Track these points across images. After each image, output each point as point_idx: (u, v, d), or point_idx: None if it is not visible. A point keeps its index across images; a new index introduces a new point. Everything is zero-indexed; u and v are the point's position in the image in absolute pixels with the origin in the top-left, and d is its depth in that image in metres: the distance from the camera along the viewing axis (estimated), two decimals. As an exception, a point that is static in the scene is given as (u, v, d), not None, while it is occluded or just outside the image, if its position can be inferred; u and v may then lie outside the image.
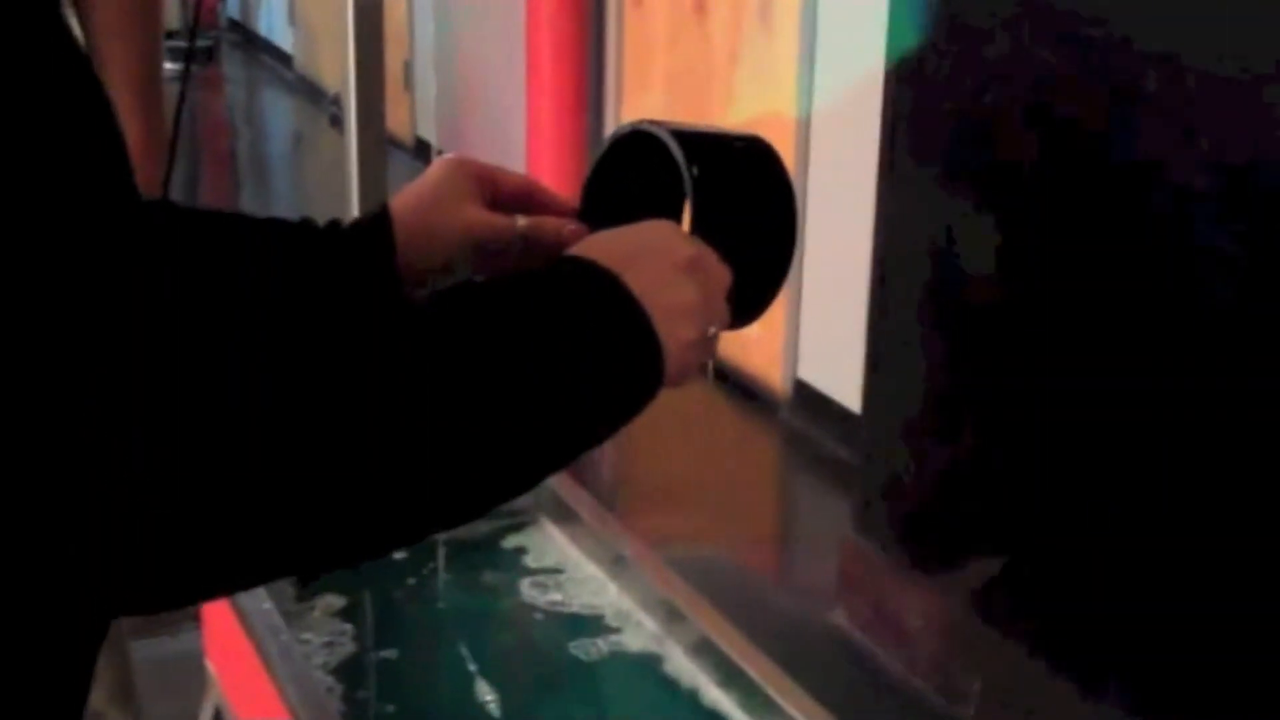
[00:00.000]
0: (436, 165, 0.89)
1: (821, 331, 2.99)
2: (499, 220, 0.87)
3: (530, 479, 0.72)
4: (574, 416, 0.71)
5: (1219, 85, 1.69)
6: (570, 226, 0.86)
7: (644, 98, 3.89)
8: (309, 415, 0.61)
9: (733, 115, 3.44)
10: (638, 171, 0.85)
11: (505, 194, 0.88)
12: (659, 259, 0.75)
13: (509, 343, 0.68)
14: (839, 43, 3.07)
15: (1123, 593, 1.94)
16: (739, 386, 3.33)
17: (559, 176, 3.91)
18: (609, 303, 0.72)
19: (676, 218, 0.81)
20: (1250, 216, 1.69)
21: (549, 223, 0.87)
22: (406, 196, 0.88)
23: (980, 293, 2.21)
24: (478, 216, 0.87)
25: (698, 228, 0.81)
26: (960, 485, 2.30)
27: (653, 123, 0.85)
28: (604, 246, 0.76)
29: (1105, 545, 1.97)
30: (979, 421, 2.24)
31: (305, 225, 0.87)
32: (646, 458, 2.94)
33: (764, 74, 3.32)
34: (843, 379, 2.91)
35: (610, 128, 4.01)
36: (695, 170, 0.81)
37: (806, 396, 3.22)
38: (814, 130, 3.14)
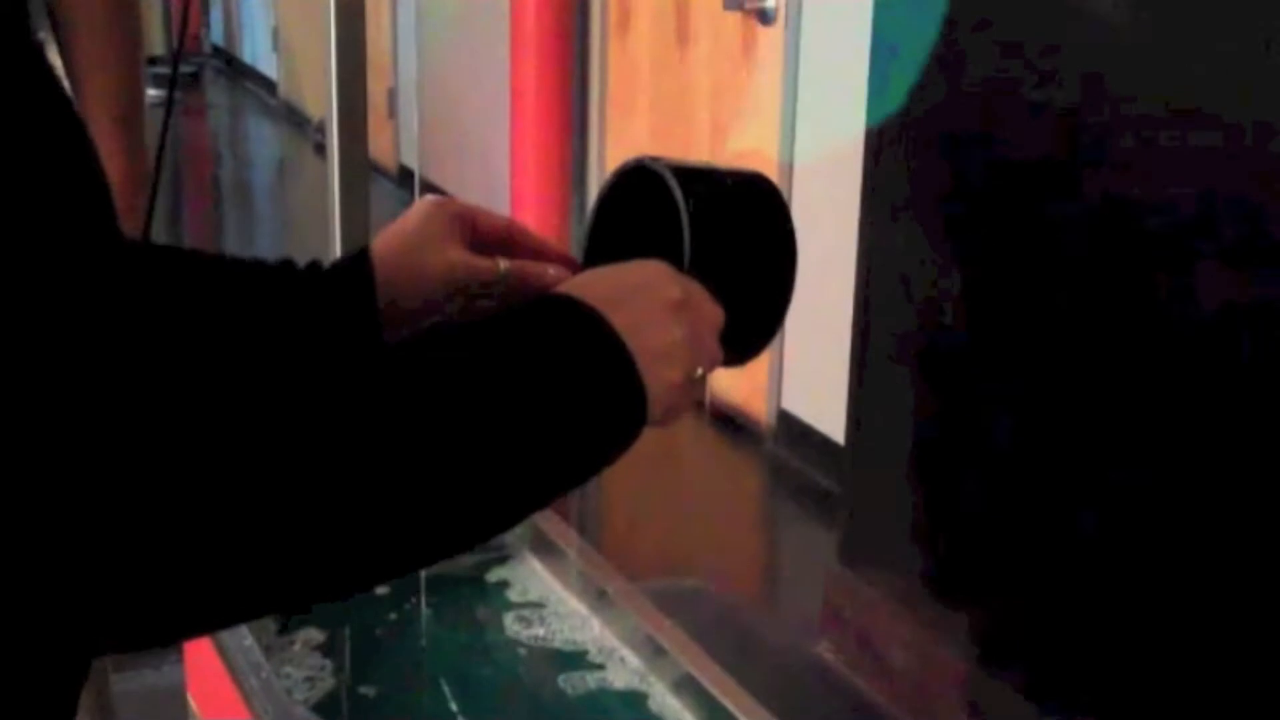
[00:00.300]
0: (418, 206, 0.88)
1: (805, 363, 2.99)
2: (481, 262, 0.86)
3: (509, 519, 0.71)
4: (554, 457, 0.70)
5: (1175, 133, 1.70)
6: (553, 270, 0.85)
7: (628, 127, 3.89)
8: (283, 458, 0.61)
9: (716, 147, 3.44)
10: (642, 209, 0.85)
11: (486, 236, 0.87)
12: (646, 298, 0.74)
13: (485, 382, 0.68)
14: (822, 76, 3.08)
15: (1108, 626, 1.94)
16: (724, 417, 3.33)
17: (543, 204, 3.91)
18: (591, 341, 0.71)
19: (679, 256, 0.81)
20: (1221, 264, 1.70)
21: (532, 266, 0.86)
22: (388, 237, 0.87)
23: (961, 326, 2.22)
24: (460, 258, 0.86)
25: (694, 263, 0.80)
26: (944, 515, 2.29)
27: (654, 159, 0.84)
28: (589, 285, 0.75)
29: (1091, 576, 1.96)
30: (961, 452, 2.24)
31: (284, 266, 0.87)
32: (632, 488, 2.94)
33: (747, 106, 3.33)
34: (827, 410, 2.91)
35: (594, 157, 4.02)
36: (692, 205, 0.80)
37: (791, 427, 3.22)
38: (797, 163, 3.14)
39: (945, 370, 2.28)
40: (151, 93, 6.52)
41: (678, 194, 0.81)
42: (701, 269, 0.80)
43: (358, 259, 0.87)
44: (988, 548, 2.19)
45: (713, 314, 0.78)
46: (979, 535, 2.21)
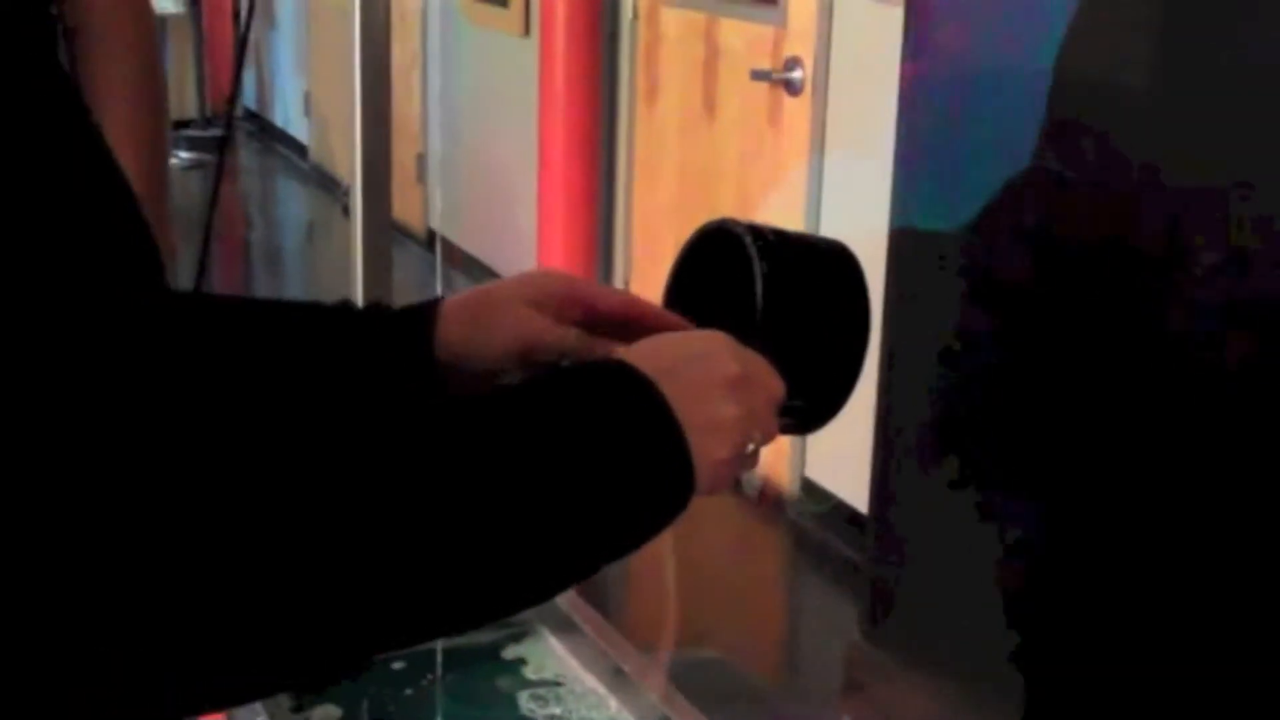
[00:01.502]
0: (522, 273, 0.86)
1: (830, 430, 2.98)
2: (551, 330, 0.83)
3: (546, 590, 0.69)
4: (594, 529, 0.68)
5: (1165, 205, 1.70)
6: (621, 347, 0.79)
7: (654, 195, 3.91)
8: (307, 523, 0.60)
9: (742, 217, 3.45)
10: (721, 272, 0.84)
11: (605, 314, 0.84)
12: (702, 370, 0.72)
13: (526, 447, 0.66)
14: (849, 147, 3.09)
15: (1138, 703, 1.92)
16: (749, 485, 3.32)
17: (569, 269, 3.92)
18: (640, 410, 0.69)
19: (753, 321, 0.80)
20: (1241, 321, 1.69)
21: (600, 343, 0.83)
22: (466, 293, 0.85)
23: (987, 396, 2.20)
24: (531, 322, 0.82)
25: (764, 328, 0.80)
26: (968, 589, 2.27)
27: (735, 221, 0.83)
28: (646, 353, 0.73)
29: (1123, 655, 1.94)
30: (986, 526, 2.22)
31: (340, 309, 0.86)
32: (652, 555, 2.90)
33: (774, 176, 3.34)
34: (850, 479, 2.90)
35: (620, 224, 4.04)
36: (766, 268, 0.79)
37: (814, 494, 3.21)
38: (823, 229, 3.15)
39: (969, 444, 2.26)
40: (184, 155, 6.58)
41: (754, 257, 0.80)
42: (772, 335, 0.79)
43: (424, 306, 0.85)
44: (1016, 626, 2.17)
45: (773, 388, 0.76)
46: (1004, 610, 2.18)
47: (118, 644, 0.57)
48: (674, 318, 0.85)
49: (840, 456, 2.99)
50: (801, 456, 3.26)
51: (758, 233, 0.81)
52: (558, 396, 0.70)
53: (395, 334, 0.84)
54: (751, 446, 0.74)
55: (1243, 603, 1.74)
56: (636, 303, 0.85)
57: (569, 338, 0.83)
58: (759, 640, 2.77)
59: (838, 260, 0.84)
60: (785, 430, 0.81)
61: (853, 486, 2.87)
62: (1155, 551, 1.89)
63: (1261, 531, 1.71)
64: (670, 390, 0.70)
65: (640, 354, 0.73)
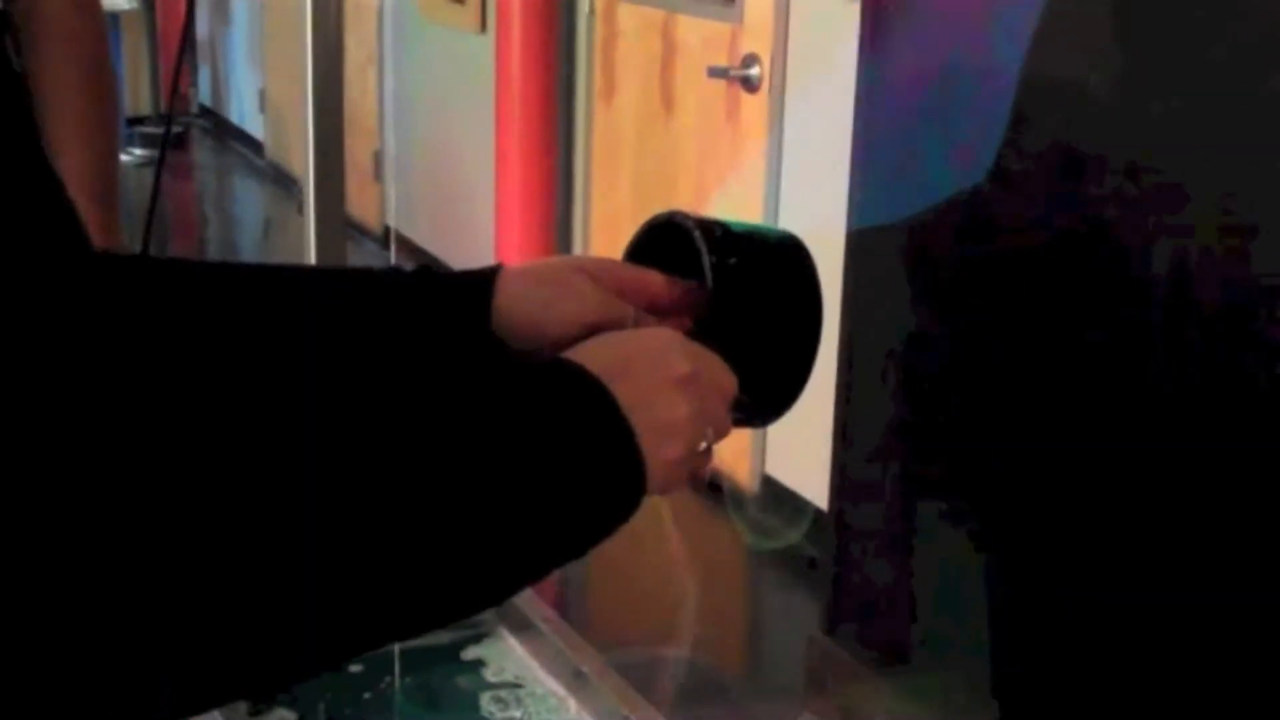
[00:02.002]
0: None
1: (789, 427, 2.98)
2: (613, 308, 0.81)
3: (497, 593, 0.68)
4: (545, 531, 0.67)
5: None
6: (669, 324, 0.80)
7: (612, 192, 3.90)
8: (254, 530, 0.59)
9: (700, 213, 3.44)
10: (671, 265, 0.83)
11: (662, 300, 0.83)
12: (652, 369, 0.71)
13: (475, 452, 0.66)
14: (807, 142, 3.09)
15: (1100, 699, 1.92)
16: (706, 481, 3.31)
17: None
18: (589, 411, 0.68)
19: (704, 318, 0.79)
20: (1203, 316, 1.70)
21: (651, 321, 0.81)
22: (526, 264, 0.84)
23: (946, 390, 2.21)
24: (594, 298, 0.81)
25: (715, 321, 0.79)
26: (929, 584, 2.28)
27: (685, 214, 0.82)
28: (595, 353, 0.72)
29: (1082, 648, 1.95)
30: (946, 520, 2.22)
31: (391, 274, 0.83)
32: (611, 554, 2.90)
33: (731, 173, 3.34)
34: (810, 475, 2.90)
35: (578, 221, 4.03)
36: (714, 260, 0.79)
37: (774, 492, 3.21)
38: (781, 226, 3.15)
39: (929, 439, 2.27)
40: (139, 153, 6.52)
41: (703, 250, 0.79)
42: (722, 329, 0.79)
43: (483, 272, 0.83)
44: (973, 617, 2.17)
45: (725, 383, 0.76)
46: (964, 604, 2.19)
47: (79, 653, 0.56)
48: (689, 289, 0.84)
49: (800, 453, 3.00)
50: (762, 454, 3.26)
51: (706, 226, 0.81)
52: (505, 398, 0.68)
53: (451, 300, 0.82)
54: (704, 444, 0.74)
55: (1202, 593, 1.75)
56: (691, 291, 0.84)
57: (629, 318, 0.82)
58: (721, 637, 2.77)
59: (788, 251, 0.84)
60: (739, 424, 0.81)
61: (813, 483, 2.87)
62: (1116, 544, 1.89)
63: (1217, 521, 1.72)
64: (620, 391, 0.69)
65: (589, 353, 0.72)
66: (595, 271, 0.83)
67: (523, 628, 1.41)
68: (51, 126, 1.41)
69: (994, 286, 2.05)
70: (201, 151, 7.94)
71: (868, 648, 2.38)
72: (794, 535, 3.00)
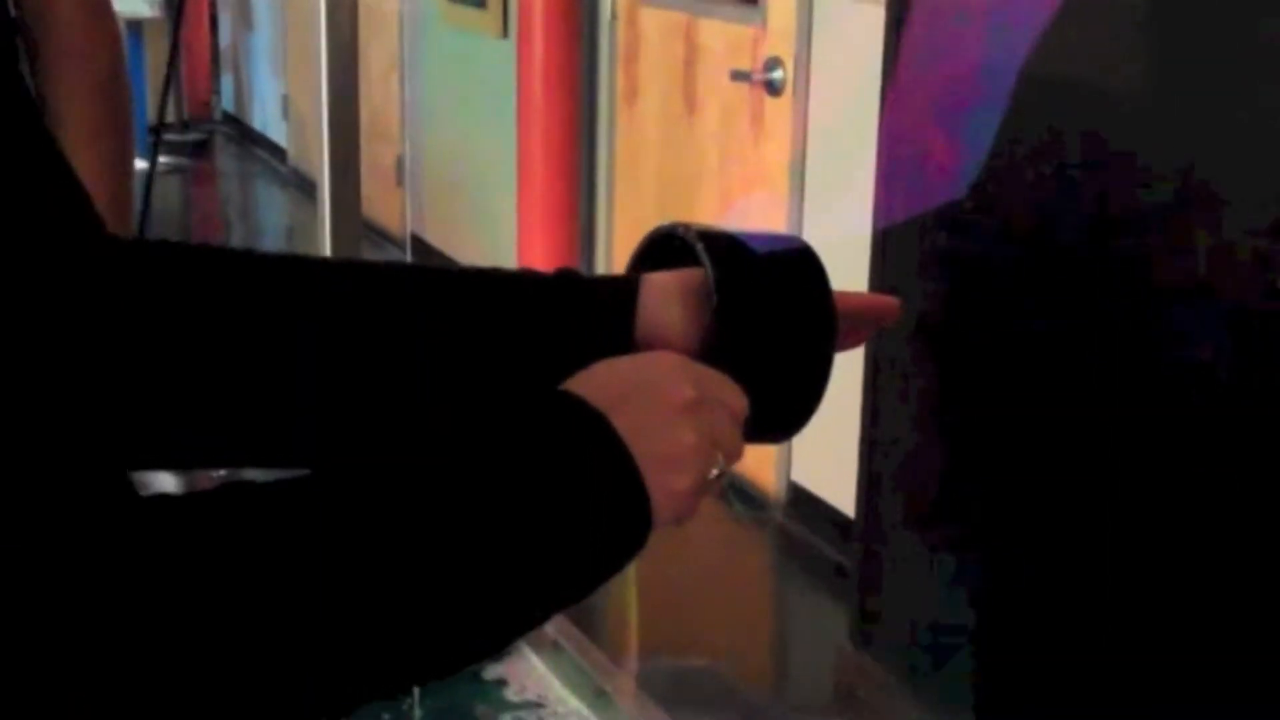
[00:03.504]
0: None
1: (815, 434, 2.95)
2: None
3: (501, 638, 0.67)
4: (548, 573, 0.65)
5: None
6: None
7: (635, 196, 3.88)
8: (248, 591, 0.57)
9: (724, 218, 3.42)
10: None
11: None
12: (654, 397, 0.68)
13: (474, 492, 0.63)
14: (831, 146, 3.06)
15: (1128, 708, 1.89)
16: (733, 489, 3.28)
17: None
18: (591, 447, 0.65)
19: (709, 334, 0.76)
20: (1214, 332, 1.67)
21: None
22: (668, 275, 0.80)
23: (974, 395, 2.18)
24: None
25: (722, 338, 0.76)
26: (956, 593, 2.25)
27: (686, 226, 0.78)
28: (594, 381, 0.69)
29: (1112, 658, 1.92)
30: (972, 528, 2.19)
31: (533, 279, 0.80)
32: (636, 562, 2.86)
33: (755, 177, 3.31)
34: (837, 482, 2.87)
35: (602, 226, 4.00)
36: (719, 273, 0.75)
37: (800, 499, 3.18)
38: (806, 234, 3.11)
39: (955, 445, 2.24)
40: (163, 160, 6.49)
41: (706, 263, 0.76)
42: (730, 345, 0.75)
43: (626, 281, 0.80)
44: (1004, 626, 2.14)
45: (734, 403, 0.72)
46: (991, 613, 2.16)
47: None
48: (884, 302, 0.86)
49: (827, 461, 2.96)
50: (788, 462, 3.22)
51: (709, 237, 0.77)
52: (504, 436, 0.66)
53: (598, 308, 0.79)
54: (716, 471, 0.71)
55: (1244, 612, 1.71)
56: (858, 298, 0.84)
57: None
58: (748, 648, 2.74)
59: (797, 260, 0.80)
60: (755, 441, 0.78)
61: (840, 490, 2.84)
62: (1143, 550, 1.86)
63: (1267, 537, 1.68)
64: (621, 422, 0.66)
65: (588, 384, 0.69)
66: None
67: (545, 645, 1.38)
68: (62, 134, 1.39)
69: (1022, 291, 2.02)
70: (225, 158, 7.95)
71: (896, 657, 2.34)
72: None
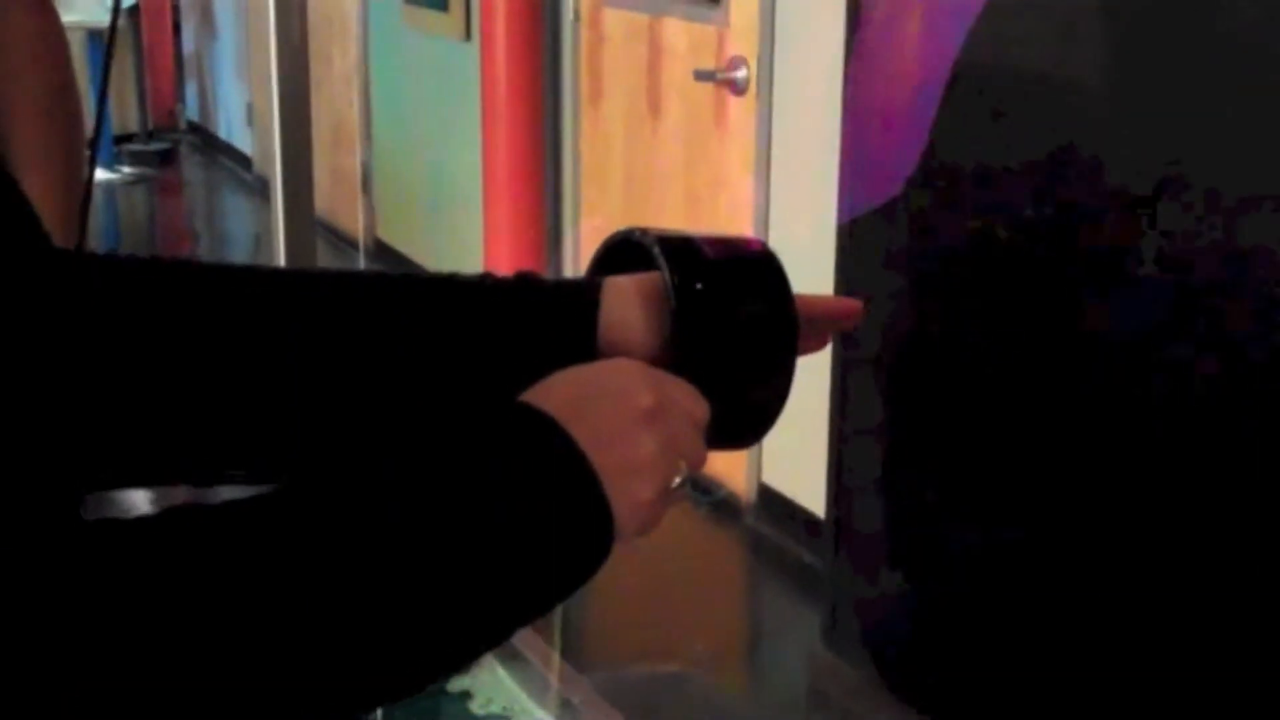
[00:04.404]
0: None
1: (785, 435, 2.93)
2: None
3: (463, 657, 0.65)
4: (510, 590, 0.63)
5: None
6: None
7: (602, 197, 3.86)
8: (211, 603, 0.56)
9: (691, 217, 3.40)
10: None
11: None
12: (613, 406, 0.67)
13: (431, 508, 0.61)
14: (795, 144, 3.05)
15: (1101, 711, 1.88)
16: (702, 491, 3.27)
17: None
18: (550, 459, 0.64)
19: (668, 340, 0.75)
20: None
21: None
22: (631, 278, 0.78)
23: (942, 393, 2.17)
24: None
25: (683, 344, 0.74)
26: (928, 594, 2.23)
27: (644, 231, 0.77)
28: (552, 391, 0.67)
29: (1086, 660, 1.91)
30: (944, 528, 2.18)
31: (489, 283, 0.78)
32: (607, 565, 2.84)
33: (721, 176, 3.30)
34: (808, 484, 2.85)
35: (568, 228, 3.98)
36: (677, 278, 0.74)
37: (771, 501, 3.16)
38: (772, 232, 3.11)
39: (925, 445, 2.22)
40: (128, 170, 6.46)
41: (664, 267, 0.74)
42: (689, 350, 0.74)
43: (588, 284, 0.78)
44: (972, 627, 2.13)
45: (694, 410, 0.70)
46: (964, 615, 2.15)
47: None
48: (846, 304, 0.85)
49: (798, 462, 2.95)
50: (758, 463, 3.21)
51: (667, 241, 0.75)
52: (462, 451, 0.64)
53: (559, 312, 0.78)
54: (679, 479, 0.69)
55: (1226, 612, 1.70)
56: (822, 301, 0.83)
57: None
58: (719, 652, 2.72)
59: (756, 263, 0.78)
60: (719, 447, 0.76)
61: (810, 491, 2.82)
62: (1117, 550, 1.85)
63: (1234, 534, 1.67)
64: (581, 433, 0.65)
65: (546, 394, 0.68)
66: None
67: (511, 657, 1.36)
68: (10, 150, 1.36)
69: (988, 286, 2.01)
70: (191, 167, 7.90)
71: (867, 659, 2.33)
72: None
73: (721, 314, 0.75)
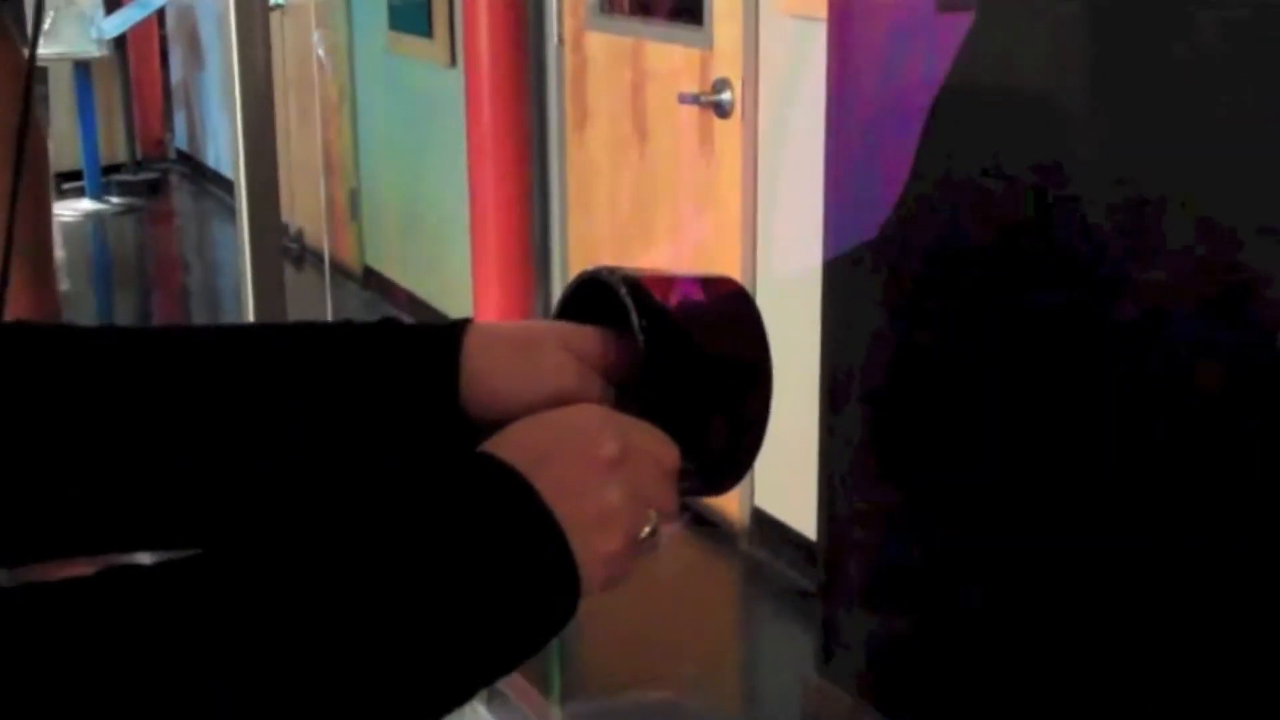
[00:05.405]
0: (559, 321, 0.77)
1: (778, 458, 2.91)
2: (592, 388, 0.74)
3: (430, 715, 0.63)
4: (474, 651, 0.61)
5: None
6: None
7: (589, 222, 3.84)
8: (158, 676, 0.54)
9: (678, 240, 3.39)
10: (603, 323, 0.76)
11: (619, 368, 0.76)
12: (576, 456, 0.65)
13: (391, 570, 0.59)
14: (782, 166, 3.03)
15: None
16: (696, 515, 3.24)
17: (505, 302, 3.85)
18: (512, 512, 0.62)
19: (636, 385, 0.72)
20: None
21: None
22: (500, 325, 0.76)
23: (932, 419, 2.14)
24: (572, 373, 0.74)
25: (649, 386, 0.72)
26: (922, 618, 2.21)
27: (611, 270, 0.74)
28: (512, 441, 0.66)
29: (1083, 684, 1.88)
30: (936, 551, 2.16)
31: (343, 328, 0.76)
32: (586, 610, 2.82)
33: (708, 199, 3.28)
34: (801, 507, 2.83)
35: (556, 254, 3.96)
36: (645, 321, 0.71)
37: (764, 525, 3.14)
38: (759, 255, 3.09)
39: (916, 467, 2.20)
40: (116, 200, 6.45)
41: (631, 308, 0.72)
42: (659, 394, 0.71)
43: (448, 327, 0.75)
44: (967, 651, 2.10)
45: (663, 456, 0.68)
46: (958, 638, 2.12)
47: None
48: None
49: (790, 485, 2.93)
50: (751, 487, 3.18)
51: (634, 282, 0.73)
52: (420, 504, 0.62)
53: (418, 356, 0.74)
54: (649, 528, 0.66)
55: (1217, 622, 1.68)
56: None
57: (609, 401, 0.74)
58: (713, 677, 2.70)
59: (727, 302, 0.76)
60: (690, 494, 0.74)
61: (803, 515, 2.80)
62: (1114, 569, 1.83)
63: (1224, 538, 1.65)
64: (543, 484, 0.62)
65: (508, 444, 0.65)
66: (578, 345, 0.75)
67: (490, 694, 1.33)
68: None
69: (981, 310, 1.99)
70: (180, 197, 7.89)
71: (862, 684, 2.30)
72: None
73: (690, 354, 0.73)
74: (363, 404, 0.73)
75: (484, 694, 1.35)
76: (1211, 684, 1.69)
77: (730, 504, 3.22)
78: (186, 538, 0.73)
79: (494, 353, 0.74)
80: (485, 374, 0.74)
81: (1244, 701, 1.65)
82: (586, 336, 0.76)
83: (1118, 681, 1.82)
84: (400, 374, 0.74)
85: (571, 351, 0.75)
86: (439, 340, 0.74)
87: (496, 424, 0.71)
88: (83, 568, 0.58)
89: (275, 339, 0.76)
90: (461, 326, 0.75)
